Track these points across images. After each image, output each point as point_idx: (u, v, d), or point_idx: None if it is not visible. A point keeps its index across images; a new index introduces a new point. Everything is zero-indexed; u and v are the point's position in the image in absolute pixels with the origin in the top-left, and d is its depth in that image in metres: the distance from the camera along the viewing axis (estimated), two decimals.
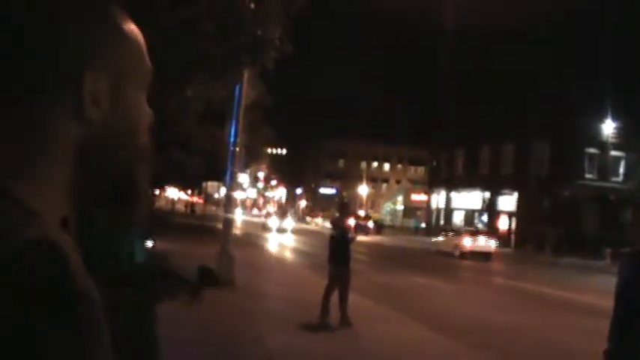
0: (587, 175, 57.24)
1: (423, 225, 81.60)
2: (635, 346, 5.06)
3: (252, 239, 40.70)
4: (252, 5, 13.46)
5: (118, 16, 0.98)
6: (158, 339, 2.77)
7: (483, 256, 38.59)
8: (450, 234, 44.16)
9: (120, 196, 1.03)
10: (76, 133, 0.91)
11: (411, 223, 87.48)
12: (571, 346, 12.61)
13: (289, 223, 64.77)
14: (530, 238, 52.79)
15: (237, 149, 17.95)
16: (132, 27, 1.00)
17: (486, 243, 40.82)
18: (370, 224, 76.18)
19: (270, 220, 65.46)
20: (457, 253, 39.67)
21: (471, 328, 13.63)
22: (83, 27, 0.91)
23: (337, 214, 13.59)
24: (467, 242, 40.00)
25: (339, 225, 13.15)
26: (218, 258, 16.57)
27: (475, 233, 42.54)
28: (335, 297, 12.41)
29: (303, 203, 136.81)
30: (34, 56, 0.88)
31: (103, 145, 0.94)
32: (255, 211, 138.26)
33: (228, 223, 18.27)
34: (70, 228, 0.93)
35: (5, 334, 0.73)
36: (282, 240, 47.26)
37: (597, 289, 20.83)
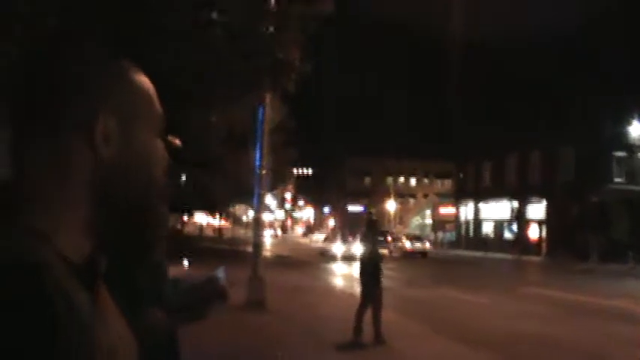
0: (616, 179, 56.65)
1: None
2: None
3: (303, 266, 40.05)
4: (272, 29, 13.52)
5: (129, 68, 1.11)
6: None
7: (420, 254, 52.19)
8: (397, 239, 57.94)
9: (139, 232, 1.09)
10: (90, 167, 1.02)
11: (446, 236, 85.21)
12: (606, 354, 12.49)
13: (358, 248, 42.83)
14: (559, 245, 52.37)
15: (264, 172, 18.00)
16: (142, 78, 1.13)
17: (422, 245, 55.28)
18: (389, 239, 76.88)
19: (333, 246, 48.83)
20: (398, 254, 52.06)
21: (506, 340, 13.52)
22: (97, 78, 1.05)
23: (366, 232, 13.54)
24: (407, 245, 54.45)
25: (368, 242, 13.14)
26: (249, 281, 16.62)
27: (412, 238, 57.17)
28: (368, 315, 12.39)
29: (331, 222, 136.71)
30: (54, 100, 1.02)
31: (116, 180, 1.04)
32: (270, 230, 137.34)
33: (258, 246, 18.30)
34: (98, 263, 1.04)
35: None
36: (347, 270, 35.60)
37: (629, 294, 20.65)
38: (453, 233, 78.65)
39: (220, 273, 2.52)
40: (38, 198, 0.99)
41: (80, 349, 0.88)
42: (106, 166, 1.03)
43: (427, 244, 54.39)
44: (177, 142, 2.42)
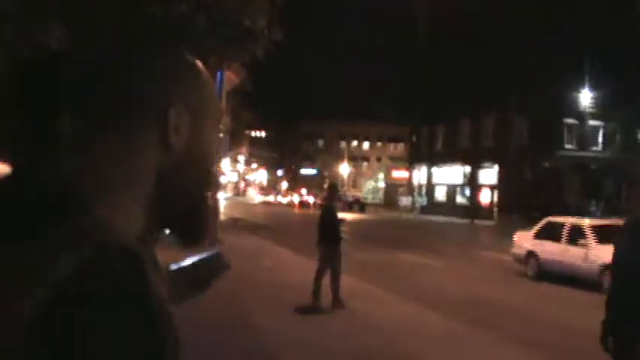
0: (567, 146, 57.63)
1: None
2: (634, 315, 5.11)
3: None
4: None
5: (195, 62, 1.13)
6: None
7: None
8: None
9: (189, 218, 1.11)
10: (160, 159, 1.03)
11: (417, 200, 77.79)
12: (560, 317, 12.75)
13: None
14: (511, 210, 53.14)
15: (221, 135, 17.87)
16: (204, 70, 1.14)
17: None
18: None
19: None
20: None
21: (461, 303, 13.73)
22: (168, 68, 1.07)
23: (326, 196, 13.65)
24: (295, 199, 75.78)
25: (328, 206, 13.20)
26: (206, 245, 16.55)
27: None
28: (326, 279, 12.46)
29: (284, 185, 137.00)
30: (131, 95, 1.02)
31: (182, 171, 1.06)
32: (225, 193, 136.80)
33: (215, 209, 18.23)
34: (147, 244, 1.01)
35: (79, 336, 0.78)
36: None
37: None
38: (424, 198, 75.42)
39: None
40: (104, 190, 0.96)
41: (171, 339, 0.87)
42: (173, 156, 1.04)
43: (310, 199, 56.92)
44: None
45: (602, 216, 41.72)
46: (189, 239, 1.12)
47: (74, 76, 1.00)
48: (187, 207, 1.09)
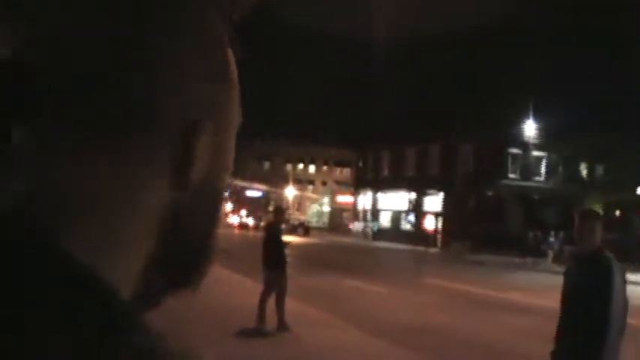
0: (511, 175, 58.45)
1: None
2: (582, 346, 5.09)
3: None
4: None
5: (230, 50, 0.74)
6: None
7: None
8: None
9: (188, 260, 0.68)
10: (168, 196, 0.67)
11: (368, 225, 75.14)
12: (507, 346, 12.77)
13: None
14: (455, 237, 53.65)
15: None
16: (232, 57, 0.75)
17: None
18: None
19: None
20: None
21: (406, 331, 13.66)
22: (190, 68, 0.67)
23: (273, 219, 13.54)
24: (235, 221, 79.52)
25: (274, 229, 13.07)
26: None
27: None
28: (271, 302, 12.33)
29: (229, 206, 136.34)
30: (130, 102, 0.64)
31: (195, 209, 0.70)
32: None
33: None
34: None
35: None
36: None
37: (522, 286, 21.18)
38: (376, 223, 74.59)
39: None
40: (96, 237, 0.62)
41: None
42: (189, 190, 0.68)
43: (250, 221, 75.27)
44: None
45: (561, 246, 41.90)
46: (181, 283, 0.76)
47: (51, 81, 0.60)
48: (190, 249, 0.72)
